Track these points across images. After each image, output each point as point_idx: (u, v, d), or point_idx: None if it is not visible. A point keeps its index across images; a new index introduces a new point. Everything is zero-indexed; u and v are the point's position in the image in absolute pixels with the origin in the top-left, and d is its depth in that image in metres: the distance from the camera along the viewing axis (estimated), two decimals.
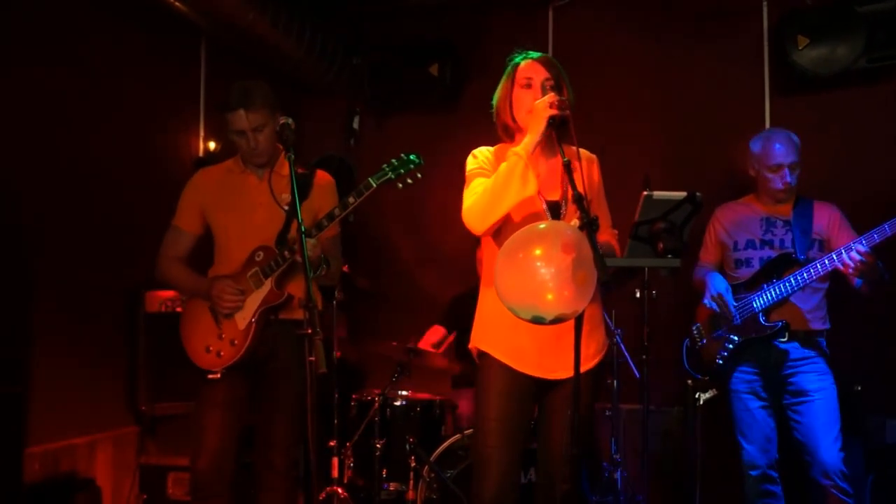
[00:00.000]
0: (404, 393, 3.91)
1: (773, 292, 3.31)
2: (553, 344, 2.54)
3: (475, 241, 3.97)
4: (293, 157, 2.66)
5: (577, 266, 2.21)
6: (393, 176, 2.85)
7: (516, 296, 2.26)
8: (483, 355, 2.66)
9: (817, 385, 3.26)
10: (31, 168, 3.44)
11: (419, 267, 4.70)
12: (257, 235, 2.95)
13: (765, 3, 4.36)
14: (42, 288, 3.45)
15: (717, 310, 3.36)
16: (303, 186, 2.97)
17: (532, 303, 2.23)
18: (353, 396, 3.98)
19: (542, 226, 2.34)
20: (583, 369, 2.38)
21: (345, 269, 3.33)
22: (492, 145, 2.72)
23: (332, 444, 3.83)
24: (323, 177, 3.10)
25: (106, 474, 3.70)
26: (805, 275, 3.25)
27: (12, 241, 3.32)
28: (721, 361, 3.41)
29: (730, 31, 4.45)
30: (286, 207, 2.86)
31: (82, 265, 3.66)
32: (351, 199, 2.85)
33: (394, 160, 2.87)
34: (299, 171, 2.97)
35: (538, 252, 2.24)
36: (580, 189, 2.33)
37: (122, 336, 3.84)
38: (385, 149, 4.87)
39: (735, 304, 3.35)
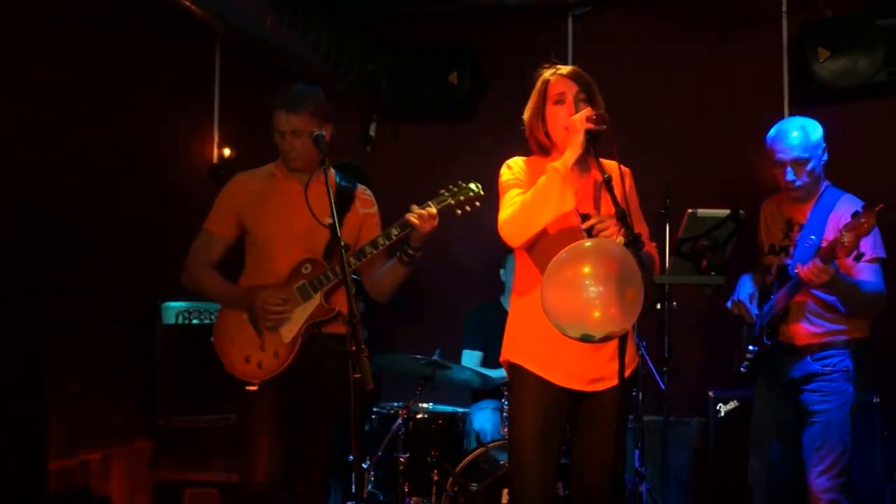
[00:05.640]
0: (425, 405, 3.86)
1: (770, 308, 3.15)
2: (588, 356, 2.53)
3: (503, 253, 3.95)
4: (329, 167, 2.66)
5: (625, 284, 2.18)
6: (453, 202, 2.85)
7: (564, 314, 2.24)
8: (515, 368, 2.64)
9: (819, 407, 3.08)
10: (44, 179, 3.34)
11: (437, 278, 4.63)
12: (300, 245, 2.89)
13: (784, 15, 4.34)
14: (56, 300, 3.35)
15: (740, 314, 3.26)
16: (345, 200, 2.95)
17: (580, 321, 2.21)
18: (373, 409, 3.93)
19: (587, 244, 2.30)
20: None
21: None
22: (510, 155, 2.70)
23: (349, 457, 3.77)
24: (363, 192, 3.07)
25: (120, 490, 3.61)
26: (788, 291, 3.03)
27: (27, 254, 3.24)
28: (743, 370, 3.29)
29: (750, 42, 4.42)
30: (325, 224, 2.80)
31: (97, 277, 3.57)
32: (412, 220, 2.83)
33: (452, 186, 2.87)
34: (342, 184, 2.98)
35: (587, 270, 2.22)
36: (622, 205, 2.31)
37: (138, 348, 3.76)
38: (401, 157, 4.88)
39: (757, 312, 3.22)
